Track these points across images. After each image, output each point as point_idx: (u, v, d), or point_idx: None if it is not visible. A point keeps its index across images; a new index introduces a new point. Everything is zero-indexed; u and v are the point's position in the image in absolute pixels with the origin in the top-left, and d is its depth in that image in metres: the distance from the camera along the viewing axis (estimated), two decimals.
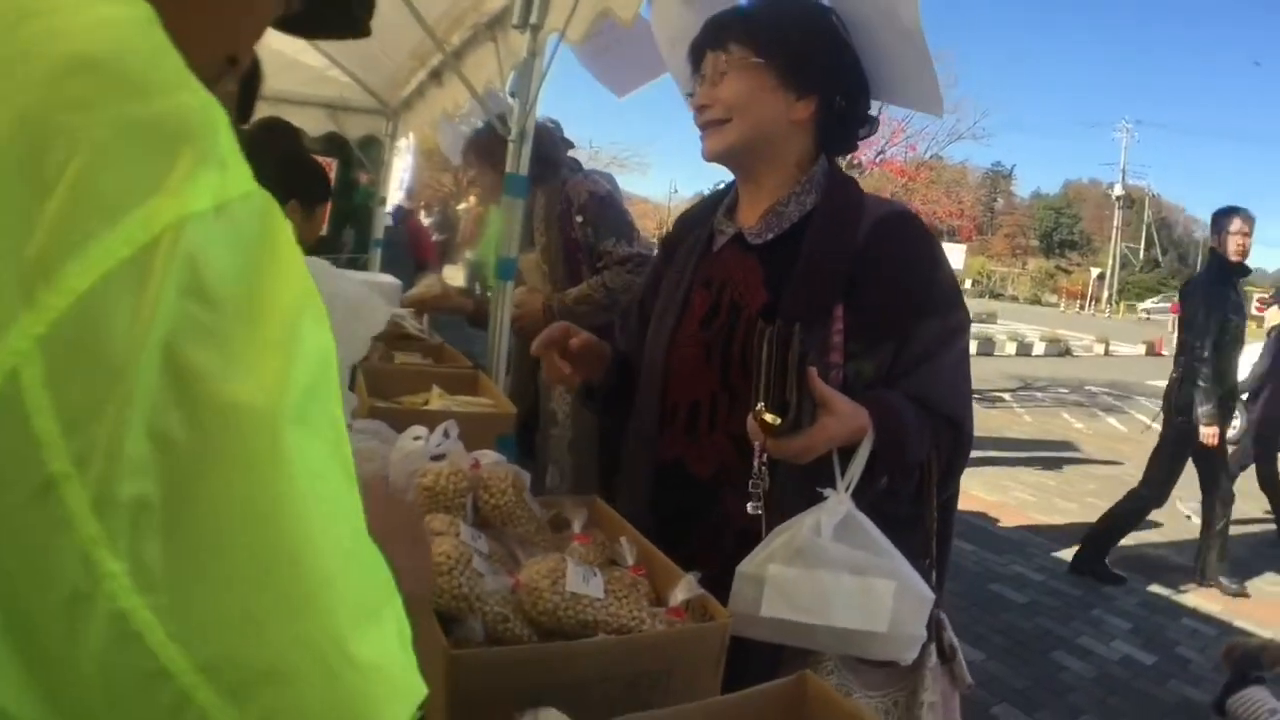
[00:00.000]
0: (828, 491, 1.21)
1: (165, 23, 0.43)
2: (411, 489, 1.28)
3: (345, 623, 0.40)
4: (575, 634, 1.05)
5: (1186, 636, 4.44)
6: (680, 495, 1.47)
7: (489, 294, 3.06)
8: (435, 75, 4.07)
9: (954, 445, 1.38)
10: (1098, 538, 5.14)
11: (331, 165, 7.15)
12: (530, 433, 2.92)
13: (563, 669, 0.99)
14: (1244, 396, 6.08)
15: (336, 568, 0.40)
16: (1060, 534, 5.90)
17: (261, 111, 2.71)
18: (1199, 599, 4.97)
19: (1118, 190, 60.66)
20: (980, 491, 6.83)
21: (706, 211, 1.62)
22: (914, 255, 1.40)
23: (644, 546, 1.26)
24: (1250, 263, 4.84)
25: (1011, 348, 20.39)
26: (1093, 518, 6.02)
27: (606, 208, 2.92)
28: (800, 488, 1.25)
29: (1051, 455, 8.78)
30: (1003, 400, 12.55)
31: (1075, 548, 5.28)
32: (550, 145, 2.96)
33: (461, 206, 7.42)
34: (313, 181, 2.48)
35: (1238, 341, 4.79)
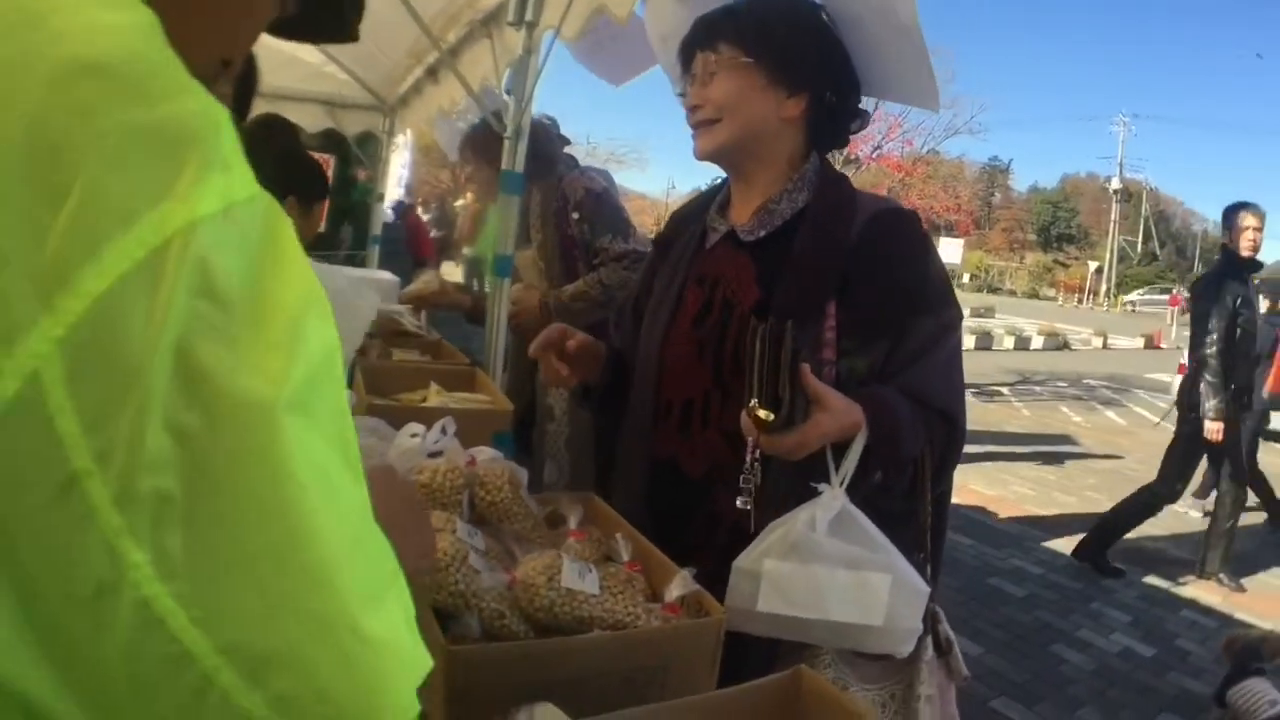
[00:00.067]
0: (822, 487, 1.21)
1: (165, 26, 0.43)
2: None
3: (355, 602, 0.42)
4: (571, 630, 1.05)
5: (1186, 629, 4.45)
6: (674, 492, 1.47)
7: (487, 290, 3.06)
8: (432, 72, 4.07)
9: (947, 440, 1.38)
10: (1104, 529, 5.15)
11: (329, 162, 7.15)
12: (528, 429, 2.93)
13: (559, 665, 1.00)
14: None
15: (344, 552, 0.42)
16: (1059, 528, 5.90)
17: (260, 108, 2.71)
18: (1198, 591, 4.98)
19: (1115, 184, 60.62)
20: (979, 486, 6.84)
21: (699, 209, 1.63)
22: (907, 252, 1.40)
23: (639, 543, 1.26)
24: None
25: (1010, 342, 20.40)
26: (1092, 511, 6.03)
27: (603, 204, 2.92)
28: (793, 483, 1.25)
29: (1050, 449, 8.77)
30: (1001, 394, 12.55)
31: (1074, 541, 5.29)
32: (546, 142, 2.96)
33: (459, 203, 7.42)
34: (310, 179, 2.49)
35: (1250, 337, 4.76)
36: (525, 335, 2.57)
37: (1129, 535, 5.42)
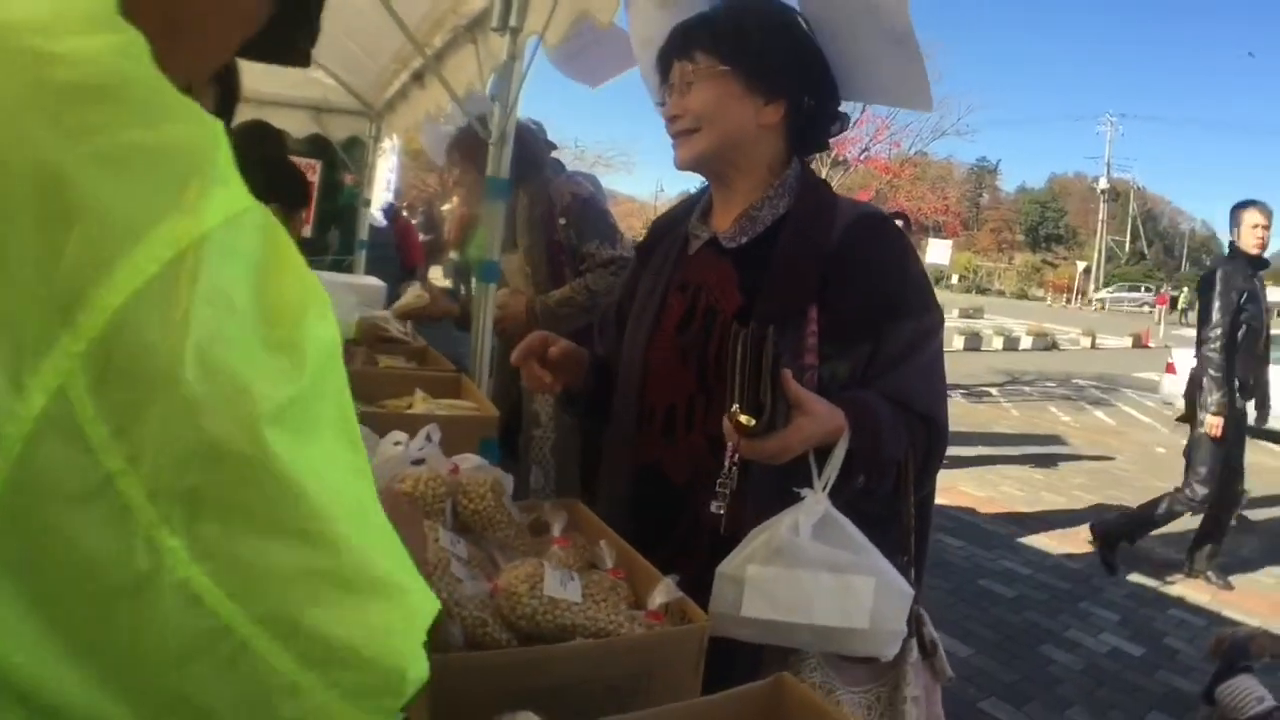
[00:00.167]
0: (805, 491, 1.21)
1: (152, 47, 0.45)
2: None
3: (369, 565, 0.47)
4: (554, 638, 1.05)
5: (1174, 627, 4.47)
6: (658, 498, 1.47)
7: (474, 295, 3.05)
8: (418, 77, 4.07)
9: (929, 443, 1.39)
10: (1130, 523, 5.15)
11: (316, 167, 7.14)
12: (514, 434, 2.92)
13: (541, 673, 0.99)
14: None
15: (354, 523, 0.47)
16: (1048, 528, 5.93)
17: (246, 113, 2.72)
18: (1186, 590, 5.01)
19: (1103, 183, 61.00)
20: (968, 487, 6.86)
21: (681, 216, 1.63)
22: (887, 256, 1.40)
23: (623, 550, 1.26)
24: None
25: (998, 342, 20.49)
26: (1081, 511, 6.06)
27: (589, 210, 2.92)
28: (776, 488, 1.25)
29: (1039, 449, 8.81)
30: (990, 395, 12.60)
31: (1063, 541, 5.31)
32: (533, 146, 2.96)
33: (446, 207, 7.41)
34: (293, 185, 2.50)
35: (1255, 333, 4.77)
36: (511, 340, 2.56)
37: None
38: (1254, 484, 5.63)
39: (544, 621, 1.04)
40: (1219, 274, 4.78)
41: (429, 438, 1.41)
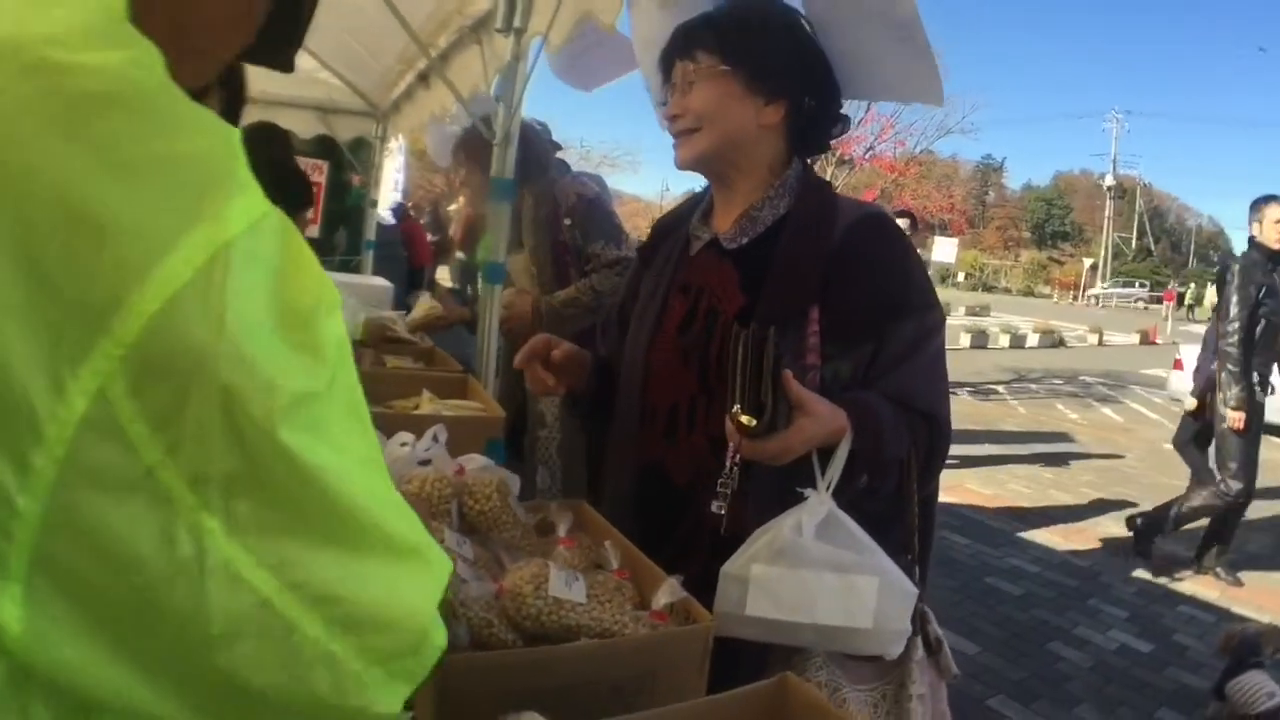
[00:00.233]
0: (808, 491, 1.22)
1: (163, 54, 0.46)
2: None
3: (388, 532, 0.51)
4: (559, 638, 1.05)
5: (1183, 624, 4.46)
6: (660, 498, 1.48)
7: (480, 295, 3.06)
8: (423, 78, 4.07)
9: (932, 442, 1.39)
10: (1170, 520, 5.13)
11: (323, 168, 7.16)
12: (520, 435, 2.93)
13: (546, 673, 1.00)
14: None
15: (374, 500, 0.50)
16: (1056, 526, 5.91)
17: (253, 114, 2.72)
18: (1196, 586, 4.99)
19: (1109, 180, 60.80)
20: (975, 484, 6.85)
21: (682, 217, 1.63)
22: (888, 256, 1.41)
23: (628, 550, 1.27)
24: None
25: (1005, 340, 20.43)
26: (1089, 508, 6.04)
27: (594, 210, 2.92)
28: (779, 489, 1.25)
29: (1047, 447, 8.78)
30: (997, 393, 12.56)
31: (1071, 539, 5.29)
32: (537, 147, 2.96)
33: (452, 207, 7.42)
34: (298, 187, 2.51)
35: (1274, 328, 4.73)
36: (517, 340, 2.57)
37: (1123, 531, 5.44)
38: (1264, 479, 5.62)
39: (549, 622, 1.05)
40: (1238, 268, 4.75)
41: (435, 438, 1.42)
